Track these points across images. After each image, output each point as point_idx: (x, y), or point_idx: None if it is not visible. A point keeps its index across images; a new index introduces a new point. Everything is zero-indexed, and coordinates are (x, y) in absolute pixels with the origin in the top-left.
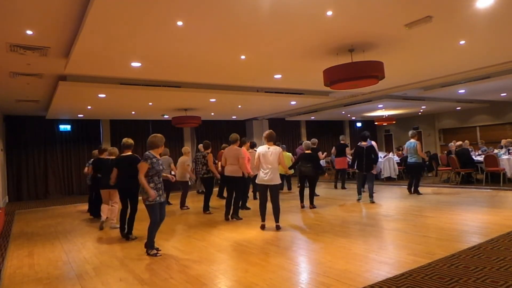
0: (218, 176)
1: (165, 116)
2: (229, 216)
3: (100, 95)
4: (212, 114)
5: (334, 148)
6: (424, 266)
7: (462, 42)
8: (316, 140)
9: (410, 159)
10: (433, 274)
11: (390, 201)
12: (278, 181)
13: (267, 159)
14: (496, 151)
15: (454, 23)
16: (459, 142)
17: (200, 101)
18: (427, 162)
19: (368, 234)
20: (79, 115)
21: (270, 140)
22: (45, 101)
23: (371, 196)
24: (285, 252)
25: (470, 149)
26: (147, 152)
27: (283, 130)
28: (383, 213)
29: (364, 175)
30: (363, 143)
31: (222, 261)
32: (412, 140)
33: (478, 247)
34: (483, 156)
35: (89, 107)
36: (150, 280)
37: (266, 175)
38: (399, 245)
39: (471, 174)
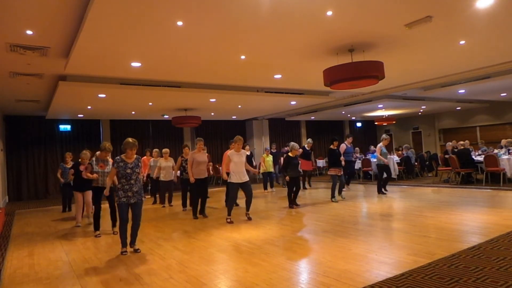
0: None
1: (165, 116)
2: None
3: (100, 95)
4: (212, 114)
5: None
6: (424, 266)
7: (462, 42)
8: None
9: (378, 161)
10: (433, 274)
11: (390, 201)
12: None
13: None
14: (496, 151)
15: (454, 23)
16: (461, 142)
17: (200, 101)
18: (427, 162)
19: (368, 234)
20: (79, 115)
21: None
22: (45, 101)
23: (331, 195)
24: (285, 252)
25: (470, 149)
26: (117, 157)
27: (283, 130)
28: (383, 213)
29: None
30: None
31: (222, 261)
32: (380, 143)
33: (478, 247)
34: (483, 156)
35: (89, 107)
36: (150, 280)
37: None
38: (399, 245)
39: (471, 174)
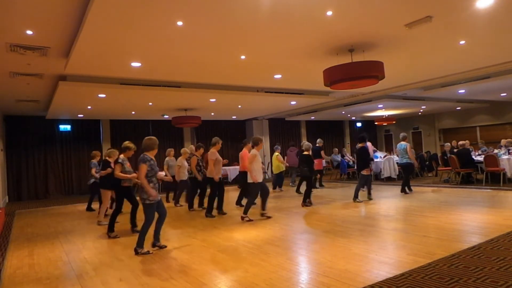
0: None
1: (165, 116)
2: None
3: (100, 95)
4: (212, 114)
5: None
6: (424, 266)
7: (462, 42)
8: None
9: (401, 160)
10: (433, 274)
11: (390, 201)
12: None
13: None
14: (496, 151)
15: (454, 23)
16: (461, 142)
17: (200, 101)
18: (427, 162)
19: (368, 234)
20: (79, 115)
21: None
22: (45, 101)
23: (354, 196)
24: (285, 252)
25: (470, 149)
26: (144, 155)
27: (283, 130)
28: (383, 213)
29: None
30: (359, 144)
31: (222, 261)
32: (403, 143)
33: (478, 247)
34: (483, 156)
35: (89, 107)
36: (150, 280)
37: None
38: (399, 245)
39: (471, 174)
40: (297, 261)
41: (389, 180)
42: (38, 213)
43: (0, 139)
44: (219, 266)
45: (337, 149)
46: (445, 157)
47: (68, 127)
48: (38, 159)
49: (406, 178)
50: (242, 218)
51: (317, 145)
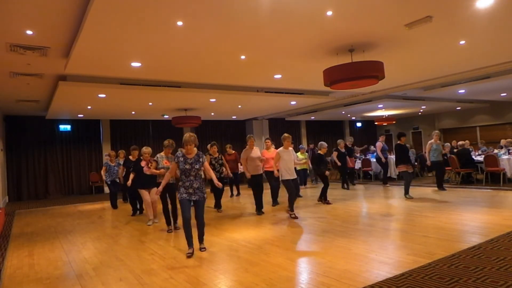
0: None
1: (165, 116)
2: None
3: (100, 95)
4: (212, 114)
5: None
6: (424, 266)
7: (462, 42)
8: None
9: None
10: (433, 274)
11: (390, 201)
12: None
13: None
14: (496, 151)
15: (454, 23)
16: (461, 142)
17: (200, 101)
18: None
19: (368, 234)
20: (79, 115)
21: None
22: (45, 101)
23: (405, 192)
24: (285, 252)
25: (470, 149)
26: (178, 152)
27: (283, 130)
28: (383, 213)
29: None
30: (402, 138)
31: (222, 261)
32: (438, 142)
33: (478, 247)
34: (483, 156)
35: (89, 107)
36: (150, 280)
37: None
38: (399, 245)
39: (471, 174)
40: (297, 261)
41: (389, 180)
42: (38, 213)
43: (0, 139)
44: (219, 266)
45: None
46: (445, 157)
47: (68, 127)
48: (38, 159)
49: (437, 174)
50: (290, 215)
51: (346, 143)
